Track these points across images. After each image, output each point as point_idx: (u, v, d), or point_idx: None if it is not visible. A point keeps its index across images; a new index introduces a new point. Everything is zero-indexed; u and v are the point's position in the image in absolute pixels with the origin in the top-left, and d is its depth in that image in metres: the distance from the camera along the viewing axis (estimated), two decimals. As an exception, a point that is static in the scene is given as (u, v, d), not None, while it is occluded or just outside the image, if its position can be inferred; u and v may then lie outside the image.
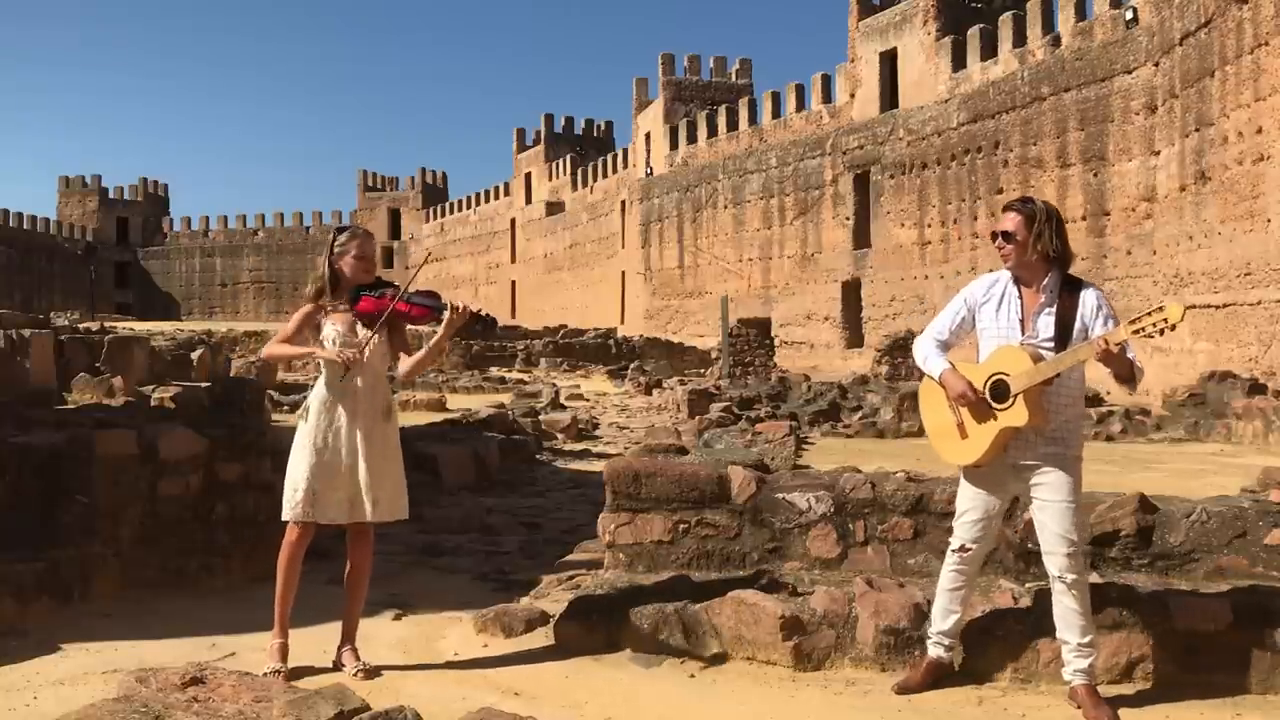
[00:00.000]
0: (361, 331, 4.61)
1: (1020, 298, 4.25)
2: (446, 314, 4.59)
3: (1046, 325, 4.17)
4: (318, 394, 4.64)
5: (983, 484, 4.29)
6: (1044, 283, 4.21)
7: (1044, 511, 4.17)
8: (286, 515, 4.60)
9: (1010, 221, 4.21)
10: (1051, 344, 4.14)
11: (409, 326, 4.82)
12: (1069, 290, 4.21)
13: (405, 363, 4.70)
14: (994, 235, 4.29)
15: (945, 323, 4.39)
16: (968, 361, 4.31)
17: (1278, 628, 4.34)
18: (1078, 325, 4.14)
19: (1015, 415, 4.10)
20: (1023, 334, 4.20)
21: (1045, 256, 4.19)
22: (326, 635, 4.89)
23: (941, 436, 4.33)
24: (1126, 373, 4.10)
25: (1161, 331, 3.93)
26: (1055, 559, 4.14)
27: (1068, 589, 4.12)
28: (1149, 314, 3.94)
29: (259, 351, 5.12)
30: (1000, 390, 4.13)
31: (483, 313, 4.71)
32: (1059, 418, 4.18)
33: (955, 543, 4.35)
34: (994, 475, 4.26)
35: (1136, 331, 3.95)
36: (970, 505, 4.32)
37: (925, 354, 4.36)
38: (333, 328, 4.62)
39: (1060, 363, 4.07)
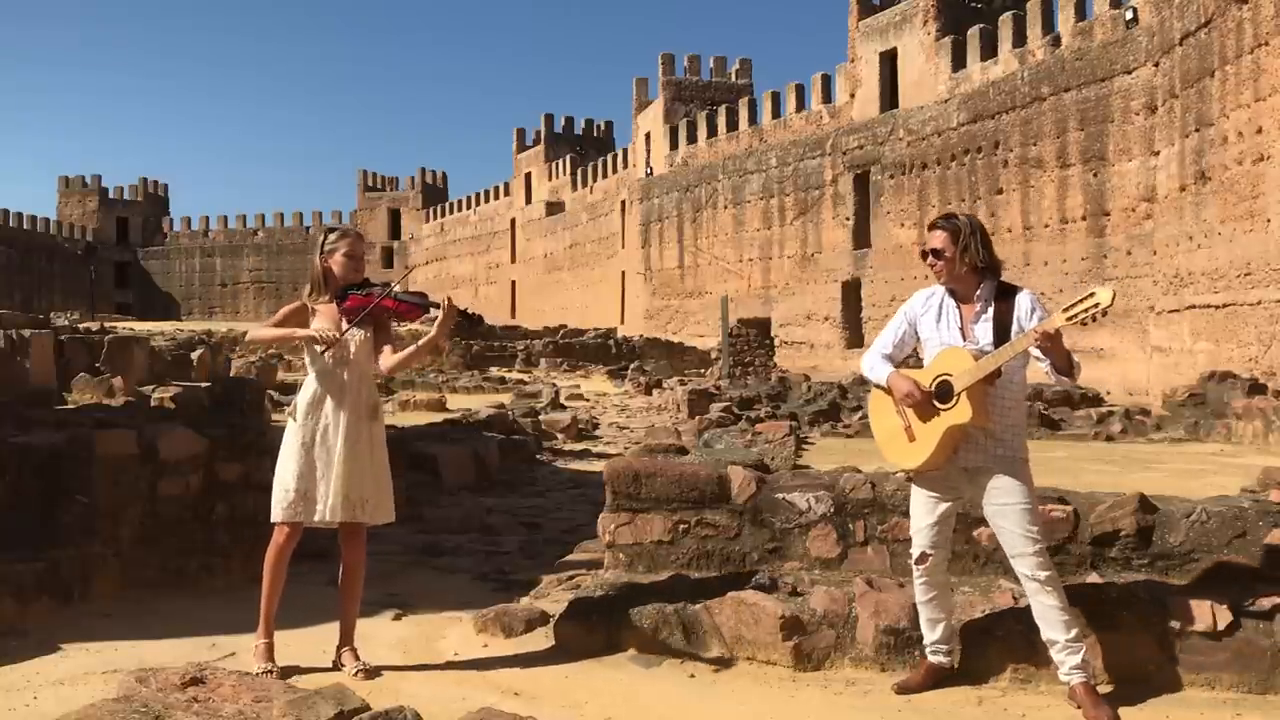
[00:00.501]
0: (346, 326, 4.66)
1: (958, 309, 4.35)
2: (440, 311, 4.63)
3: (985, 331, 4.26)
4: (305, 393, 4.66)
5: (934, 488, 4.34)
6: (978, 292, 4.31)
7: (1002, 516, 4.21)
8: (276, 516, 4.60)
9: (937, 239, 4.32)
10: (992, 348, 4.20)
11: (403, 328, 4.86)
12: (1003, 296, 4.30)
13: (390, 358, 4.72)
14: (924, 254, 4.39)
15: (888, 338, 4.49)
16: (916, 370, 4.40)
17: (1278, 628, 4.34)
18: (1014, 328, 4.22)
19: (959, 413, 4.16)
20: (964, 341, 4.28)
21: (974, 268, 4.30)
22: (325, 635, 4.89)
23: (890, 442, 4.39)
24: (1064, 363, 4.14)
25: (1094, 317, 3.98)
26: (1024, 560, 4.17)
27: (1042, 586, 4.15)
28: (1080, 300, 4.00)
29: (245, 336, 5.18)
30: (945, 390, 4.20)
31: (469, 310, 4.78)
32: (1004, 420, 4.23)
33: (915, 552, 4.40)
34: (944, 479, 4.31)
35: (1071, 318, 4.01)
36: (921, 511, 4.37)
37: (871, 364, 4.46)
38: (315, 325, 4.65)
39: (1000, 356, 4.13)
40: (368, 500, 4.63)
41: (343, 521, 4.62)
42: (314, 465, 4.56)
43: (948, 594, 4.47)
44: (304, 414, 4.60)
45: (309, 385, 4.66)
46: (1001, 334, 4.21)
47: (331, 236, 4.78)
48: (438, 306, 4.67)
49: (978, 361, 4.15)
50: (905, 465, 4.39)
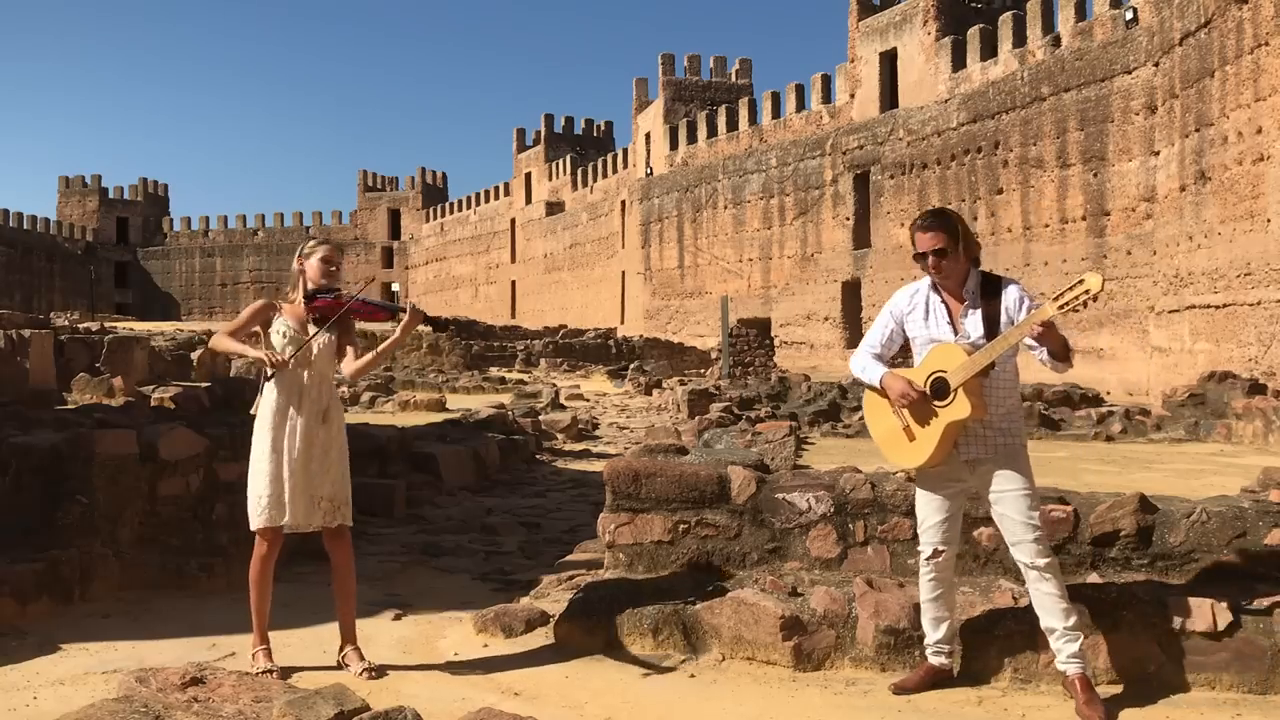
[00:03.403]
0: (311, 329, 4.71)
1: (944, 303, 4.33)
2: (406, 316, 4.72)
3: (975, 324, 4.25)
4: (268, 396, 4.65)
5: (937, 486, 4.34)
6: (966, 285, 4.30)
7: (1003, 503, 4.21)
8: (255, 523, 4.58)
9: (938, 239, 4.27)
10: (983, 341, 4.21)
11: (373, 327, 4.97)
12: (990, 287, 4.30)
13: (353, 362, 4.78)
14: (922, 256, 4.31)
15: (876, 337, 4.48)
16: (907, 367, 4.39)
17: (1278, 628, 4.34)
18: (1004, 319, 4.22)
19: (957, 409, 4.16)
20: (954, 336, 4.27)
21: (969, 259, 4.31)
22: (325, 635, 4.89)
23: (890, 443, 4.38)
24: (1060, 349, 4.14)
25: (1085, 304, 4.01)
26: (1024, 547, 4.17)
27: (1041, 574, 4.15)
28: (1070, 289, 4.02)
29: (210, 339, 5.29)
30: (940, 387, 4.19)
31: (437, 316, 4.91)
32: (1000, 408, 4.24)
33: (926, 550, 4.38)
34: (947, 473, 4.31)
35: (1062, 307, 4.03)
36: (930, 509, 4.36)
37: (863, 365, 4.45)
38: (284, 322, 4.69)
39: (993, 350, 4.14)
40: (328, 501, 4.64)
41: (323, 526, 4.64)
42: (281, 469, 4.57)
43: (953, 593, 4.46)
44: (271, 417, 4.61)
45: (270, 387, 4.65)
46: (991, 326, 4.22)
47: (311, 243, 4.92)
48: (403, 310, 4.78)
49: (971, 356, 4.14)
50: (907, 465, 4.38)
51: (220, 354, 4.89)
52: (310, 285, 4.78)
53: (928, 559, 4.36)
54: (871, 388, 4.42)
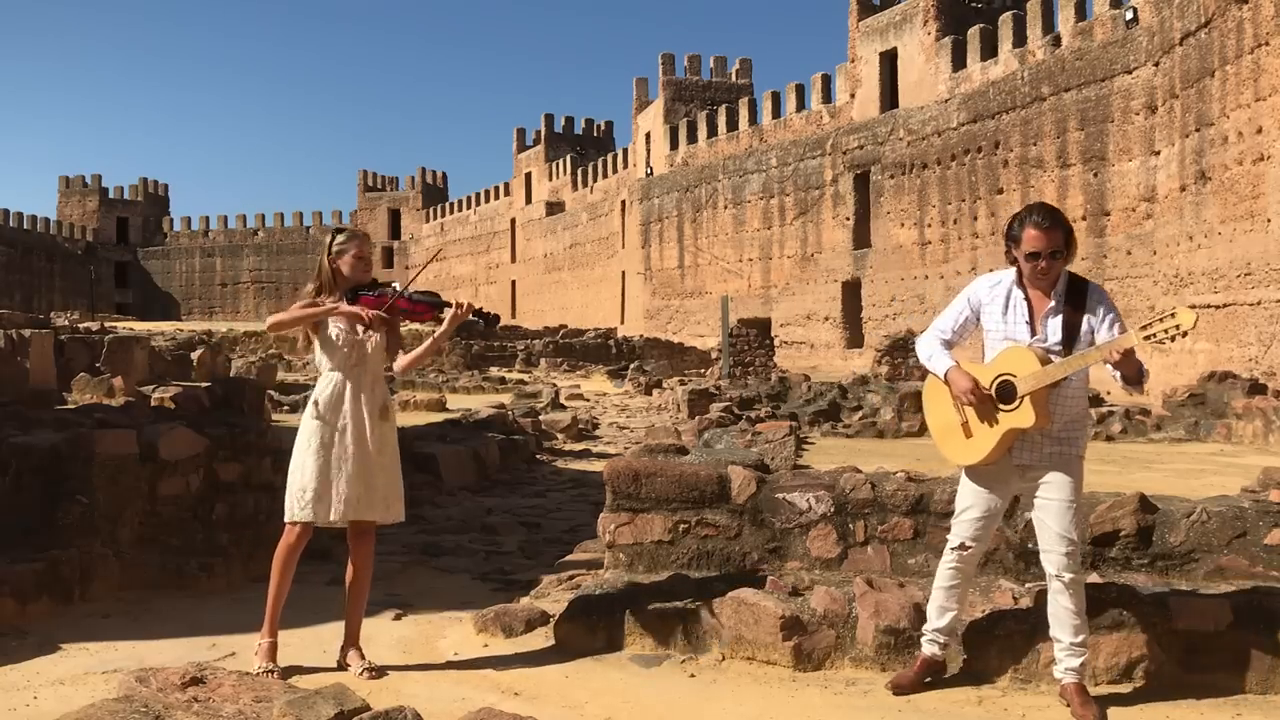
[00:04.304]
0: (360, 328, 4.66)
1: (1027, 300, 4.22)
2: (450, 310, 4.67)
3: (1055, 329, 4.15)
4: (325, 392, 4.63)
5: (985, 483, 4.28)
6: (1055, 286, 4.19)
7: (1044, 510, 4.17)
8: (296, 516, 4.57)
9: (1058, 240, 4.12)
10: (1060, 348, 4.12)
11: (411, 327, 4.84)
12: (1075, 292, 4.19)
13: (402, 359, 4.77)
14: (1033, 256, 4.12)
15: (949, 322, 4.35)
16: (973, 361, 4.31)
17: (1278, 628, 4.34)
18: (1084, 328, 4.13)
19: (1021, 417, 4.09)
20: (1031, 337, 4.18)
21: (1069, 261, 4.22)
22: (326, 635, 4.89)
23: (946, 436, 4.31)
24: (1134, 375, 4.07)
25: (1173, 338, 3.92)
26: (1053, 557, 4.14)
27: (1065, 588, 4.13)
28: (1160, 320, 3.93)
29: (265, 321, 5.14)
30: (1006, 391, 4.11)
31: (483, 309, 4.79)
32: (1063, 418, 4.17)
33: (954, 540, 4.33)
34: (997, 474, 4.25)
35: (1148, 338, 3.94)
36: (971, 503, 4.30)
37: (930, 352, 4.33)
38: (334, 325, 4.64)
39: (1069, 366, 4.05)
40: (381, 499, 4.64)
41: (353, 520, 4.62)
42: (331, 464, 4.56)
43: (968, 589, 4.44)
44: (325, 413, 4.59)
45: (328, 384, 4.63)
46: (1071, 333, 4.12)
47: (340, 237, 4.75)
48: (450, 305, 4.71)
49: (1044, 368, 4.05)
50: (961, 461, 4.31)
51: (285, 329, 4.71)
52: (347, 283, 4.68)
53: (953, 549, 4.32)
54: (935, 376, 4.33)
